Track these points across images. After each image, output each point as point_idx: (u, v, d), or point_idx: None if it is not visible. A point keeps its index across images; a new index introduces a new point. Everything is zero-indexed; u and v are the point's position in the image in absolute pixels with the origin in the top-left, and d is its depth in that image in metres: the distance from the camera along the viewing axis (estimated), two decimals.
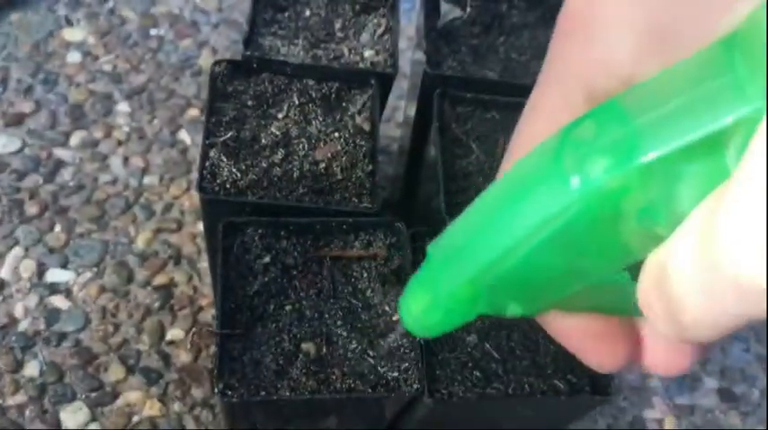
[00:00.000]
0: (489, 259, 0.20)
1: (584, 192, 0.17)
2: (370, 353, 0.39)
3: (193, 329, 0.58)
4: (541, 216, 0.18)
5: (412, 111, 0.61)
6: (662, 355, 0.22)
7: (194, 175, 0.68)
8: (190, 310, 0.61)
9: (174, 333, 0.60)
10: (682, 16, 0.18)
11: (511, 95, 0.48)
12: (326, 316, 0.40)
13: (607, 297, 0.22)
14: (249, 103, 0.46)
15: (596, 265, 0.20)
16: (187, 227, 0.66)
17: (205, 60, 0.76)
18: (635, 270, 0.19)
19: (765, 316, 0.15)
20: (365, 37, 0.51)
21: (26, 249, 0.62)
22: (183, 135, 0.70)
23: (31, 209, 0.64)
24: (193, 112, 0.72)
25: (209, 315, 0.61)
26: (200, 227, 0.66)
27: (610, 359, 0.23)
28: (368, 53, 0.50)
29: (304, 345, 0.39)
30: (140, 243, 0.64)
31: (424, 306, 0.23)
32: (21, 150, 0.67)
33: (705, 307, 0.16)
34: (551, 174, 0.18)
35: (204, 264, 0.64)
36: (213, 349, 0.60)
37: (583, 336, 0.23)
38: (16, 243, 0.62)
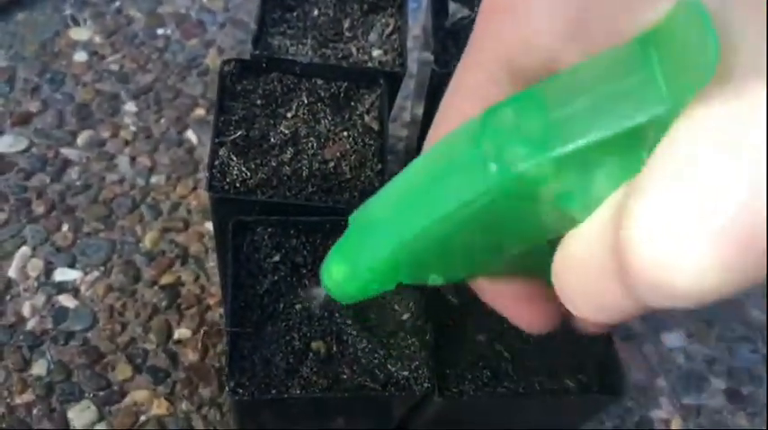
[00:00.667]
0: (408, 238, 0.21)
1: (501, 179, 0.18)
2: (381, 351, 0.39)
3: (204, 328, 0.58)
4: (460, 199, 0.19)
5: (418, 111, 0.61)
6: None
7: (201, 175, 0.68)
8: (197, 310, 0.61)
9: (181, 332, 0.60)
10: (609, 7, 0.18)
11: None
12: (336, 314, 0.40)
13: (529, 264, 0.23)
14: (258, 102, 0.46)
15: (514, 243, 0.21)
16: (194, 226, 0.66)
17: (212, 60, 0.76)
18: (556, 241, 0.19)
19: (655, 306, 0.16)
20: (373, 36, 0.51)
21: (33, 248, 0.62)
22: (190, 134, 0.71)
23: (39, 208, 0.64)
24: (200, 112, 0.72)
25: (216, 314, 0.61)
26: (208, 226, 0.66)
27: (539, 320, 0.24)
28: (376, 53, 0.50)
29: (314, 344, 0.39)
30: (147, 242, 0.64)
31: (344, 275, 0.23)
32: (28, 150, 0.67)
33: (609, 291, 0.17)
34: (471, 159, 0.19)
35: (211, 263, 0.64)
36: (221, 348, 0.60)
37: (513, 299, 0.24)
38: (24, 242, 0.62)
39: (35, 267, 0.61)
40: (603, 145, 0.17)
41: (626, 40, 0.17)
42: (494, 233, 0.20)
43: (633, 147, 0.16)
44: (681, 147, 0.15)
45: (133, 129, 0.70)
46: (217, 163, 0.43)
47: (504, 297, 0.24)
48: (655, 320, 0.67)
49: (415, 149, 0.58)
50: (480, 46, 0.22)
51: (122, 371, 0.57)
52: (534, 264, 0.22)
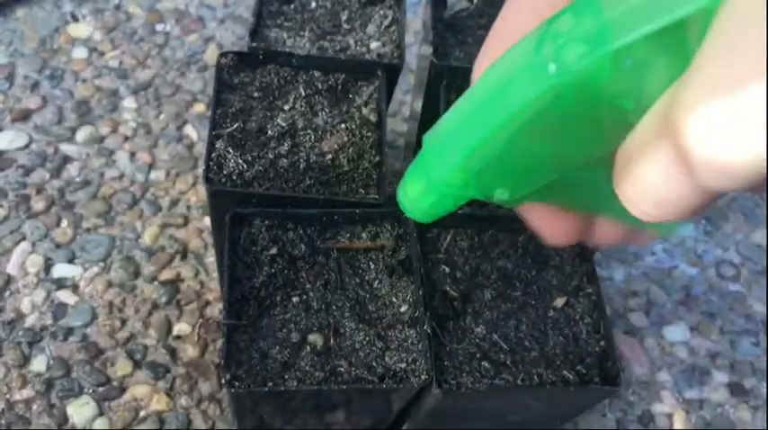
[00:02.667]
0: (474, 145, 0.22)
1: (559, 77, 0.19)
2: (378, 343, 0.39)
3: (200, 321, 0.58)
4: (521, 101, 0.20)
5: (418, 106, 0.61)
6: (609, 233, 0.27)
7: (200, 171, 0.68)
8: (197, 305, 0.61)
9: (180, 327, 0.60)
10: None
11: None
12: (334, 307, 0.40)
13: (580, 195, 0.25)
14: (255, 94, 0.46)
15: (573, 152, 0.22)
16: (194, 222, 0.65)
17: (211, 56, 0.76)
18: (609, 169, 0.21)
19: (718, 191, 0.17)
20: (371, 28, 0.50)
21: (33, 244, 0.62)
22: (189, 130, 0.70)
23: (38, 204, 0.64)
24: (199, 108, 0.72)
25: (216, 309, 0.61)
26: (207, 222, 0.66)
27: (563, 237, 0.27)
28: (374, 45, 0.49)
29: (311, 337, 0.39)
30: (147, 238, 0.64)
31: (419, 191, 0.25)
32: (27, 146, 0.67)
33: (666, 183, 0.18)
34: (532, 62, 0.20)
35: (211, 259, 0.64)
36: (220, 343, 0.60)
37: (547, 219, 0.27)
38: (23, 238, 0.62)
39: (34, 263, 0.61)
40: (654, 40, 0.18)
41: None
42: (555, 140, 0.21)
43: (681, 43, 0.18)
44: (722, 35, 0.16)
45: (132, 125, 0.70)
46: (214, 155, 0.42)
47: (537, 214, 0.27)
48: (656, 314, 0.67)
49: (414, 144, 0.58)
50: None
51: (122, 366, 0.57)
52: (586, 192, 0.24)
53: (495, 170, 0.23)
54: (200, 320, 0.59)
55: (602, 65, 0.18)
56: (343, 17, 0.51)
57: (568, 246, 0.27)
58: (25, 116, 0.69)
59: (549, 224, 0.27)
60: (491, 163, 0.22)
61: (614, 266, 0.69)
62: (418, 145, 0.60)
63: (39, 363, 0.57)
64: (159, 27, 0.77)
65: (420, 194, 0.25)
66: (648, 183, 0.19)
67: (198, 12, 0.79)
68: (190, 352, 0.59)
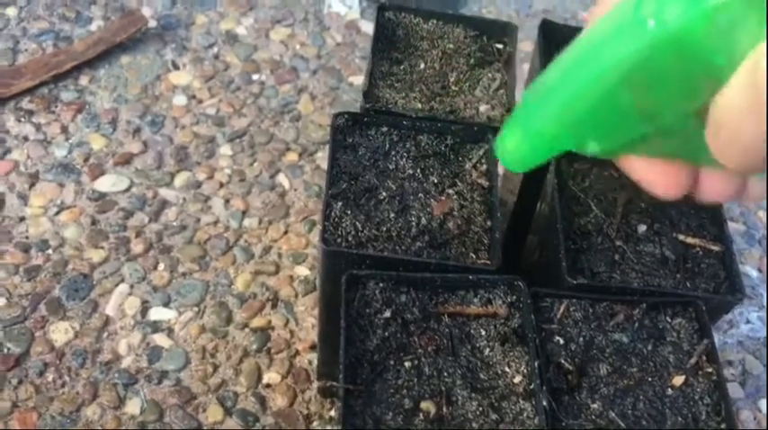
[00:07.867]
0: (571, 97, 0.23)
1: (658, 32, 0.20)
2: (492, 415, 0.38)
3: (330, 383, 0.57)
4: (620, 55, 0.21)
5: None
6: (715, 185, 0.27)
7: (292, 219, 0.69)
8: (286, 354, 0.62)
9: (270, 376, 0.60)
10: None
11: None
12: (445, 374, 0.40)
13: (674, 143, 0.25)
14: (368, 155, 0.46)
15: (664, 106, 0.23)
16: (285, 270, 0.66)
17: (304, 105, 0.77)
18: (702, 118, 0.22)
19: None
20: (479, 91, 0.51)
21: (131, 287, 0.64)
22: (282, 178, 0.72)
23: (137, 247, 0.66)
24: (292, 157, 0.73)
25: (305, 359, 0.61)
26: (298, 270, 0.66)
27: (672, 187, 0.27)
28: (483, 107, 0.50)
29: (423, 404, 0.39)
30: (239, 284, 0.65)
31: (516, 142, 0.27)
32: (128, 189, 0.69)
33: (756, 127, 0.19)
34: (631, 19, 0.21)
35: (301, 308, 0.64)
36: (309, 394, 0.60)
37: (651, 171, 0.27)
38: (122, 280, 0.64)
39: (132, 305, 0.63)
40: (747, 1, 0.19)
41: None
42: (648, 94, 0.22)
43: None
44: None
45: (228, 171, 0.72)
46: (330, 216, 0.43)
47: (643, 168, 0.27)
48: (752, 386, 0.65)
49: (512, 203, 0.58)
50: None
51: (213, 413, 0.58)
52: (680, 143, 0.25)
53: (588, 122, 0.24)
54: (326, 382, 0.58)
55: (697, 21, 0.19)
56: (452, 78, 0.51)
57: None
58: (127, 160, 0.71)
59: (655, 176, 0.27)
60: (585, 115, 0.24)
61: None
62: (517, 206, 0.60)
63: (133, 406, 0.58)
64: (255, 77, 0.79)
65: (516, 145, 0.27)
66: (736, 130, 0.20)
67: (292, 62, 0.81)
68: (279, 401, 0.59)
